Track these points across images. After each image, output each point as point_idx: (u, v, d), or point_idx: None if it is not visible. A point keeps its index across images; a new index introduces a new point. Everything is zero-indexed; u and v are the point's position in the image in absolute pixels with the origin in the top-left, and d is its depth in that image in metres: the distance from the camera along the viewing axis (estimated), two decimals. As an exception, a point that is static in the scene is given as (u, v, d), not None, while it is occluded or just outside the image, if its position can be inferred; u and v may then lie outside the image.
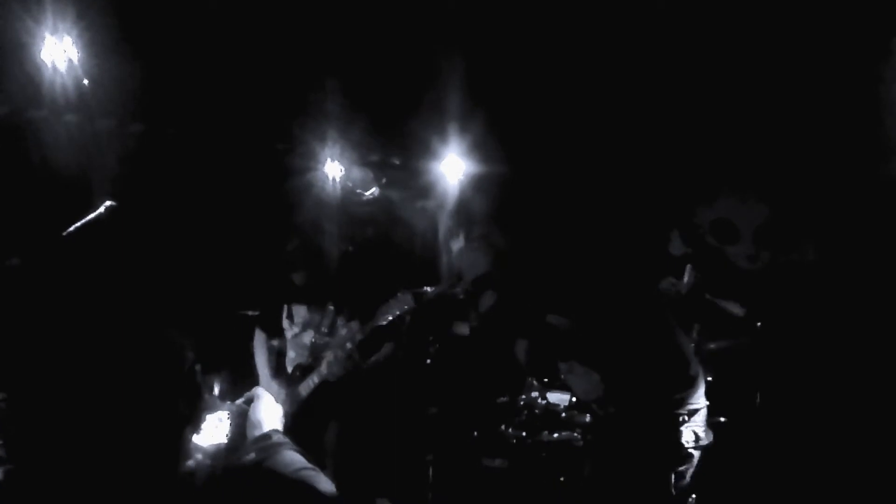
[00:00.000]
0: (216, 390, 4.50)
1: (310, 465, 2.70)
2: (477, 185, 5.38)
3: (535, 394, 4.56)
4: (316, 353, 4.26)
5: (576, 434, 4.43)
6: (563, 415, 4.50)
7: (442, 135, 5.21)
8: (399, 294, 4.10)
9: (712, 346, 4.46)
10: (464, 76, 4.93)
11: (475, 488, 4.55)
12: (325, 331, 4.27)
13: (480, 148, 5.24)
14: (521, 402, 4.56)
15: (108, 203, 3.93)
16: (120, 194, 3.98)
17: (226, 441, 3.86)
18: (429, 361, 4.78)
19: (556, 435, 4.45)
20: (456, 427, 4.76)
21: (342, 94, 5.03)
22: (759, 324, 4.55)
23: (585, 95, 5.00)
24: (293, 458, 2.71)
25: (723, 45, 4.76)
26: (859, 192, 4.85)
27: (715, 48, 4.77)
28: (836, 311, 4.73)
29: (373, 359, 4.26)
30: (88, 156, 4.52)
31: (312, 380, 4.17)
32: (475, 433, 4.69)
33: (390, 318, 4.08)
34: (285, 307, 4.38)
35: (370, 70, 5.02)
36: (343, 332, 4.26)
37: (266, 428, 2.70)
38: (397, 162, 5.47)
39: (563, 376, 3.91)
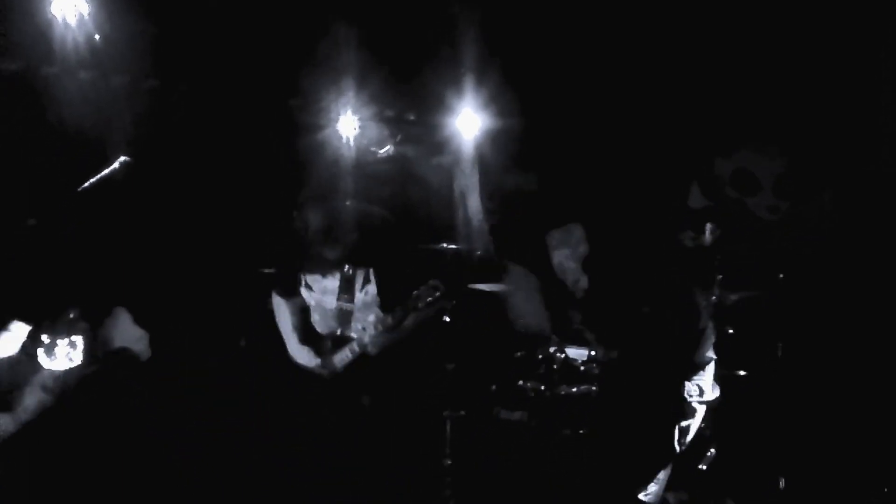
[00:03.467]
0: (72, 314, 4.35)
1: (147, 388, 2.59)
2: (494, 140, 5.32)
3: (553, 348, 4.55)
4: (343, 320, 4.24)
5: (594, 388, 4.43)
6: (582, 368, 4.51)
7: (458, 89, 5.14)
8: (429, 281, 4.11)
9: (734, 297, 4.42)
10: (479, 28, 4.87)
11: (494, 442, 4.55)
12: (347, 297, 4.24)
13: (497, 102, 5.17)
14: (540, 356, 4.55)
15: (122, 158, 3.91)
16: (134, 150, 3.97)
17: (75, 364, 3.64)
18: (446, 318, 4.77)
19: (574, 389, 4.45)
20: (474, 381, 4.76)
21: (356, 48, 4.97)
22: (780, 275, 4.50)
23: (603, 46, 4.93)
24: (134, 379, 2.63)
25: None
26: (879, 143, 4.76)
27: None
28: (857, 262, 4.67)
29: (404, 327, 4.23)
30: (101, 112, 4.50)
31: (346, 354, 4.14)
32: (493, 387, 4.69)
33: (421, 305, 4.09)
34: (300, 276, 4.33)
35: (384, 24, 4.96)
36: (363, 296, 4.24)
37: (114, 346, 2.59)
38: (412, 118, 5.40)
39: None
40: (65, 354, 2.98)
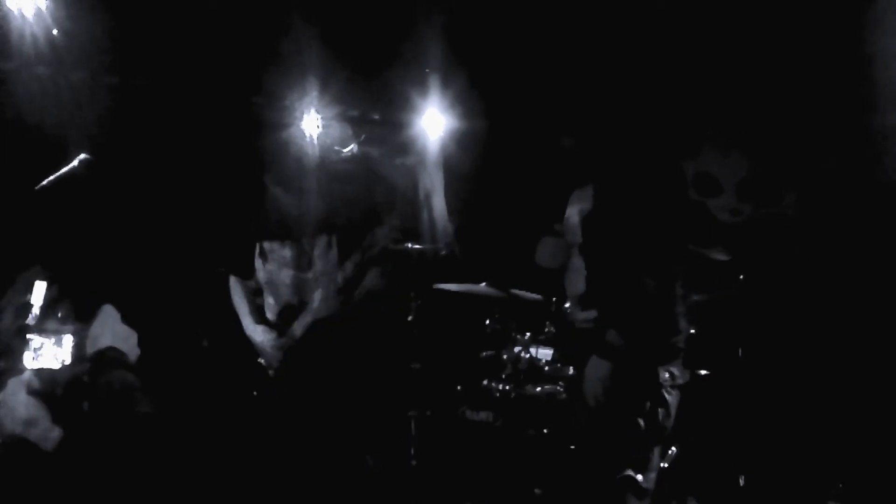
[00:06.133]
0: (59, 313, 4.30)
1: (138, 386, 2.56)
2: (458, 141, 5.31)
3: (518, 348, 4.57)
4: (300, 291, 4.11)
5: (559, 387, 4.46)
6: (547, 369, 4.53)
7: (422, 89, 5.13)
8: (384, 224, 3.99)
9: (696, 297, 4.46)
10: (444, 28, 4.86)
11: (459, 442, 4.55)
12: (305, 267, 4.12)
13: (462, 102, 5.16)
14: (505, 357, 4.56)
15: (81, 156, 3.85)
16: (94, 147, 3.90)
17: (64, 364, 3.58)
18: (410, 318, 4.76)
19: (539, 388, 4.47)
20: (440, 381, 4.75)
21: (320, 47, 4.93)
22: (741, 276, 4.56)
23: (568, 48, 4.95)
24: (124, 378, 2.59)
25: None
26: (841, 146, 4.86)
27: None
28: (817, 264, 4.76)
29: (361, 289, 4.12)
30: (61, 108, 4.41)
31: (306, 318, 4.03)
32: (459, 387, 4.69)
33: (377, 250, 3.97)
34: (257, 245, 4.20)
35: (348, 22, 4.93)
36: (322, 264, 4.11)
37: (103, 344, 2.55)
38: (376, 117, 5.37)
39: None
40: (52, 354, 2.93)
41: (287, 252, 4.12)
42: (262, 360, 4.18)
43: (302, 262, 4.10)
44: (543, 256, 4.10)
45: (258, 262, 4.18)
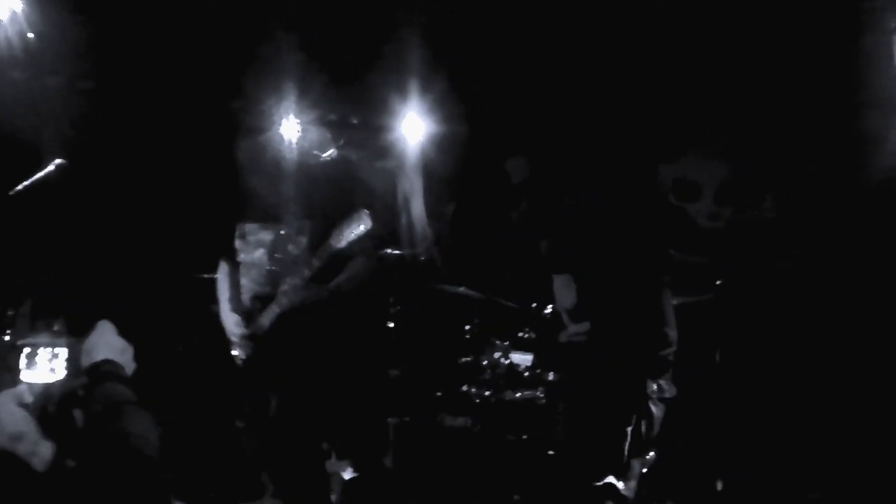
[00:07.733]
0: (56, 326, 4.26)
1: (133, 399, 2.52)
2: (438, 145, 5.31)
3: (497, 354, 4.56)
4: (272, 279, 4.04)
5: (538, 392, 4.46)
6: (526, 374, 4.53)
7: (402, 93, 5.12)
8: (355, 214, 3.88)
9: (674, 302, 4.47)
10: (424, 32, 4.85)
11: (438, 448, 4.54)
12: (279, 255, 4.05)
13: (441, 106, 5.16)
14: (485, 363, 4.56)
15: (57, 161, 3.83)
16: (69, 152, 3.88)
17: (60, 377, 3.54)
18: (391, 324, 4.76)
19: (518, 394, 4.47)
20: (418, 387, 4.74)
21: (299, 51, 4.92)
22: (719, 282, 4.58)
23: (549, 51, 4.96)
24: (119, 391, 2.54)
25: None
26: (821, 149, 4.89)
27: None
28: (796, 269, 4.78)
29: (335, 282, 4.02)
30: (35, 113, 4.38)
31: (273, 310, 3.95)
32: (438, 393, 4.68)
33: (346, 241, 3.86)
34: (238, 226, 4.14)
35: (327, 26, 4.92)
36: (292, 249, 4.03)
37: (98, 357, 2.51)
38: (356, 121, 5.36)
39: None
40: (46, 367, 2.88)
41: (264, 235, 4.06)
42: (234, 352, 4.12)
43: (277, 248, 4.03)
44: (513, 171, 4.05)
45: (238, 243, 4.12)
